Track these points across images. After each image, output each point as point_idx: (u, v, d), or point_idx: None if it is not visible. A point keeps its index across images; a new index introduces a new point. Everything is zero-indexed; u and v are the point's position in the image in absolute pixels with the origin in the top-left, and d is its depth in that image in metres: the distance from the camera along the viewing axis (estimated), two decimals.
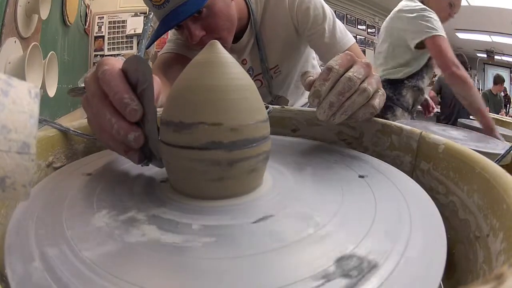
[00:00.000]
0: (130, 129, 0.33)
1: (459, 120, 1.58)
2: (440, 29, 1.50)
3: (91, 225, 0.27)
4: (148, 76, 0.32)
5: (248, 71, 1.03)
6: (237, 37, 0.96)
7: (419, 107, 1.89)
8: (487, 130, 1.34)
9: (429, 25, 1.50)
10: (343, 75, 0.41)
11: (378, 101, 0.44)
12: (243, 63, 1.03)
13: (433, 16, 1.52)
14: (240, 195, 0.32)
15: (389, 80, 1.70)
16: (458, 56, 3.29)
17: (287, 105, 1.08)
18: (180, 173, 0.32)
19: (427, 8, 1.54)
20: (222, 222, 0.28)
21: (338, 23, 0.95)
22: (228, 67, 0.32)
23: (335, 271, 0.22)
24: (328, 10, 0.94)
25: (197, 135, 0.30)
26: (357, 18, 5.99)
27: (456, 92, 1.52)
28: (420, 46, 1.57)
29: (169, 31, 0.87)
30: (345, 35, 0.96)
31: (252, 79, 1.07)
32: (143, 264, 0.23)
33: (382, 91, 0.45)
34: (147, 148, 0.35)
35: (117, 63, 0.35)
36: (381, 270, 0.22)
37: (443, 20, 1.59)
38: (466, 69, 3.17)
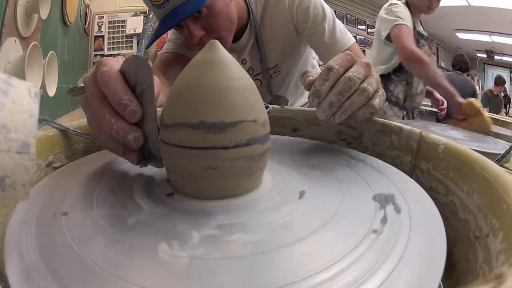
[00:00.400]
0: (129, 129, 0.33)
1: None
2: (403, 18, 1.54)
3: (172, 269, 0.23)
4: (148, 76, 0.32)
5: (247, 70, 1.03)
6: (237, 37, 0.96)
7: (432, 108, 1.90)
8: (450, 99, 1.40)
9: (392, 17, 1.56)
10: (343, 75, 0.41)
11: (378, 101, 0.44)
12: (242, 62, 1.03)
13: (398, 8, 1.58)
14: (241, 194, 0.33)
15: None
16: (459, 56, 3.28)
17: (287, 105, 1.08)
18: (223, 173, 0.31)
19: (396, 2, 1.61)
20: (278, 216, 0.29)
21: (338, 22, 0.95)
22: (229, 67, 0.33)
23: (382, 203, 0.31)
24: (328, 10, 0.94)
25: (239, 133, 0.31)
26: (357, 18, 5.99)
27: (416, 74, 1.59)
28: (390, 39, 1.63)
29: (169, 30, 0.87)
30: (345, 34, 0.96)
31: (252, 78, 1.07)
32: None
33: (382, 91, 0.45)
34: (146, 148, 0.35)
35: (116, 63, 0.35)
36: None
37: (424, 10, 1.64)
38: (467, 69, 3.16)
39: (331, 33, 0.93)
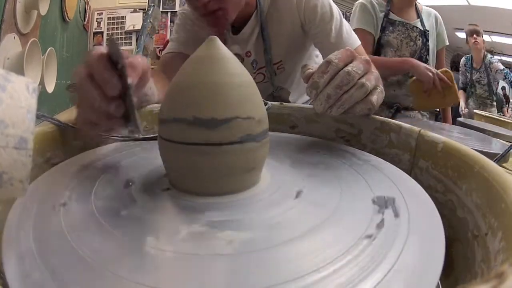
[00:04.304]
0: (111, 99, 0.37)
1: (458, 119, 1.57)
2: (358, 20, 1.52)
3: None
4: (119, 57, 0.35)
5: (251, 64, 1.02)
6: (240, 28, 0.95)
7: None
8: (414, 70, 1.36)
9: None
10: (342, 69, 0.42)
11: (376, 98, 0.44)
12: (247, 55, 1.01)
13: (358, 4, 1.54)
14: (238, 191, 0.33)
15: None
16: (456, 56, 3.26)
17: (288, 97, 1.07)
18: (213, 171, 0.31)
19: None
20: (273, 214, 0.29)
21: (345, 23, 0.94)
22: (228, 63, 0.32)
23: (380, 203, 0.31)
24: (336, 10, 0.93)
25: (233, 130, 0.31)
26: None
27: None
28: None
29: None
30: (351, 36, 0.95)
31: (255, 72, 1.05)
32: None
33: (381, 89, 0.45)
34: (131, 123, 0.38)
35: (103, 48, 0.38)
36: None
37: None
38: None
39: (338, 33, 0.92)
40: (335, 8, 0.93)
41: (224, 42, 1.00)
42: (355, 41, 0.96)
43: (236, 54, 0.99)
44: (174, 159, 0.33)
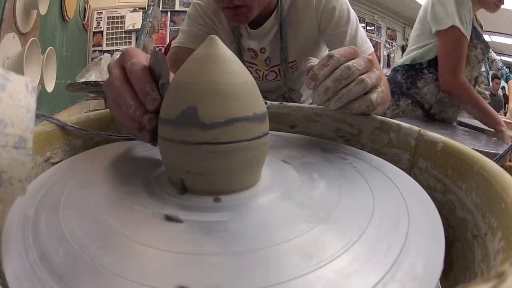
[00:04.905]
0: (146, 111, 0.36)
1: (458, 119, 1.56)
2: (461, 18, 1.22)
3: None
4: (166, 73, 0.36)
5: (264, 60, 1.02)
6: (259, 24, 0.95)
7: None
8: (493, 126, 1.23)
9: (449, 12, 1.23)
10: (343, 64, 0.43)
11: (376, 96, 0.44)
12: (261, 51, 1.01)
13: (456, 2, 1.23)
14: (243, 189, 0.33)
15: (405, 66, 1.43)
16: None
17: (300, 99, 1.07)
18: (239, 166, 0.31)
19: None
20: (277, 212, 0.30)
21: (360, 29, 0.95)
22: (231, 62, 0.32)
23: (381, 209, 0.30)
24: (353, 15, 0.93)
25: (266, 123, 0.33)
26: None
27: (460, 104, 1.35)
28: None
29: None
30: (365, 42, 0.95)
31: (268, 69, 1.04)
32: None
33: (381, 89, 0.46)
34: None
35: (142, 56, 0.39)
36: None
37: (490, 6, 1.37)
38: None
39: (352, 38, 0.92)
40: (352, 13, 0.93)
41: (239, 36, 0.99)
42: (369, 48, 0.95)
43: (249, 49, 1.00)
44: (202, 160, 0.31)
